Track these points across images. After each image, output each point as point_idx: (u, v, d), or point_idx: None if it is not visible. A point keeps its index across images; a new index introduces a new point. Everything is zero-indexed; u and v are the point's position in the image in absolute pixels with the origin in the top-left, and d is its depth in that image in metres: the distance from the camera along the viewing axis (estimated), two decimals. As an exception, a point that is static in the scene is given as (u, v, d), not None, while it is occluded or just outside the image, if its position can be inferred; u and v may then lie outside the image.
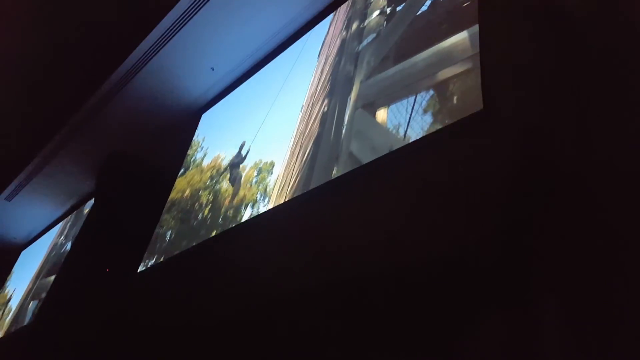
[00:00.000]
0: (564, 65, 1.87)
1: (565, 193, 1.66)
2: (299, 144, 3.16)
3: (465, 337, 1.68)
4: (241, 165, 3.70)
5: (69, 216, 6.66)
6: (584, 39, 1.88)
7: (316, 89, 3.37)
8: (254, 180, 3.43)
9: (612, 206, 1.54)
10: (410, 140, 2.29)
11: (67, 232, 6.40)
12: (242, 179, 3.58)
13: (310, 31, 3.93)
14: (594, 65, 1.79)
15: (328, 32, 3.68)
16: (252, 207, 3.26)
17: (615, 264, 1.44)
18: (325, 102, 3.16)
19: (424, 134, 2.24)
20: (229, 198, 3.57)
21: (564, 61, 1.89)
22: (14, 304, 6.28)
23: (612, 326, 1.38)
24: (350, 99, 2.93)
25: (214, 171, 4.03)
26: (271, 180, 3.24)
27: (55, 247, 6.53)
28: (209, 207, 3.72)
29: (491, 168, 1.89)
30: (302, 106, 3.38)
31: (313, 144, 3.02)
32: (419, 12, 2.81)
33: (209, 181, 4.01)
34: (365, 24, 3.24)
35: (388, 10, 3.09)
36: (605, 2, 1.90)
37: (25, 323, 5.47)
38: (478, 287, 1.74)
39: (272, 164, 3.35)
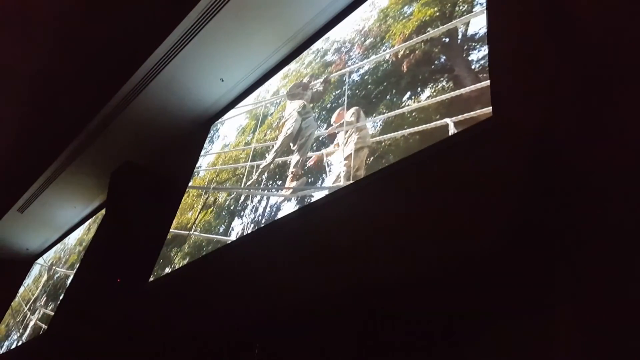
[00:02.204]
0: (572, 68, 1.90)
1: (580, 196, 1.69)
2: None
3: (479, 343, 1.77)
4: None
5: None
6: (591, 41, 1.91)
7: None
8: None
9: (627, 208, 1.56)
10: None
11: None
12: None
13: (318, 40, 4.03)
14: (600, 67, 1.83)
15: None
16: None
17: (632, 269, 1.49)
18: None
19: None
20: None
21: (571, 63, 1.91)
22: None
23: (629, 334, 1.43)
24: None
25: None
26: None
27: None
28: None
29: (503, 174, 1.93)
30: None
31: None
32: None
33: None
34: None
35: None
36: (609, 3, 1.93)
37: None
38: (493, 293, 1.81)
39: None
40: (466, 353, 1.83)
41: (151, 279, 3.93)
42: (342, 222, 2.54)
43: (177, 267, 3.75)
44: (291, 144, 3.36)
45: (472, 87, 2.14)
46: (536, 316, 1.64)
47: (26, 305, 6.71)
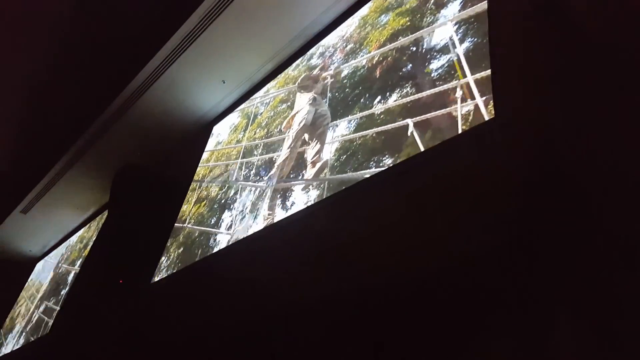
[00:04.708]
0: (574, 70, 1.98)
1: (579, 196, 1.75)
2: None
3: (477, 345, 1.86)
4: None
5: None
6: (592, 42, 1.99)
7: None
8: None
9: (626, 208, 1.61)
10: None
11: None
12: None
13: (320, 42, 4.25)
14: (603, 69, 1.89)
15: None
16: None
17: (631, 269, 1.53)
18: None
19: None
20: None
21: (573, 66, 2.00)
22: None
23: (623, 335, 1.49)
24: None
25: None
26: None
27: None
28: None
29: (503, 175, 2.01)
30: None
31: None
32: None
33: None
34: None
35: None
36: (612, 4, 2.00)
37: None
38: (490, 294, 1.88)
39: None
40: (465, 354, 1.91)
41: (153, 280, 4.17)
42: (342, 223, 2.65)
43: (172, 256, 4.03)
44: (306, 135, 3.55)
45: (428, 92, 2.51)
46: (535, 317, 1.69)
47: (29, 299, 7.13)
